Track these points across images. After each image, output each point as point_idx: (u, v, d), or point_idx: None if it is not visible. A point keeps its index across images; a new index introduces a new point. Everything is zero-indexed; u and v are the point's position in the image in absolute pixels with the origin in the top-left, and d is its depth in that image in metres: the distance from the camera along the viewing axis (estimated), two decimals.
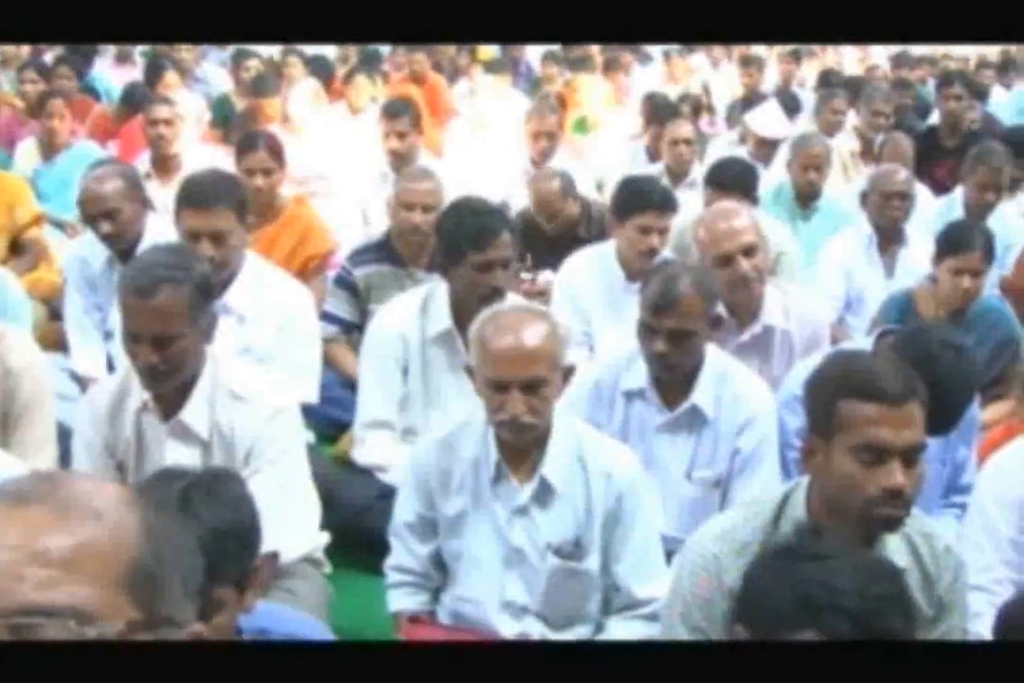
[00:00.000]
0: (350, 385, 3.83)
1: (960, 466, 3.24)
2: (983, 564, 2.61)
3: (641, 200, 4.02)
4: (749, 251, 3.52)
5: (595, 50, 10.68)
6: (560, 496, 2.62)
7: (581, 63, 9.18)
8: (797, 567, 1.66)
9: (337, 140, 6.59)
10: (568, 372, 2.66)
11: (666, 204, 4.04)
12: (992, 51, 15.82)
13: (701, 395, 3.02)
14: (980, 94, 8.67)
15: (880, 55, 13.42)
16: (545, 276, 4.83)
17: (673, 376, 3.02)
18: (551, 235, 5.08)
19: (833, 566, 1.64)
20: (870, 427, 2.05)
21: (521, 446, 2.62)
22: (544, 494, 2.63)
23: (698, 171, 5.69)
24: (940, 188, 6.21)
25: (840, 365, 2.18)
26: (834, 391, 2.11)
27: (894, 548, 2.18)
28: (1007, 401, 3.98)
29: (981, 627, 2.24)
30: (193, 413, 2.75)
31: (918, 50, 14.12)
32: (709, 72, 10.97)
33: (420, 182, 4.47)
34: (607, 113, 8.03)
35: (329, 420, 3.93)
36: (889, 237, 4.73)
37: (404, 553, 2.77)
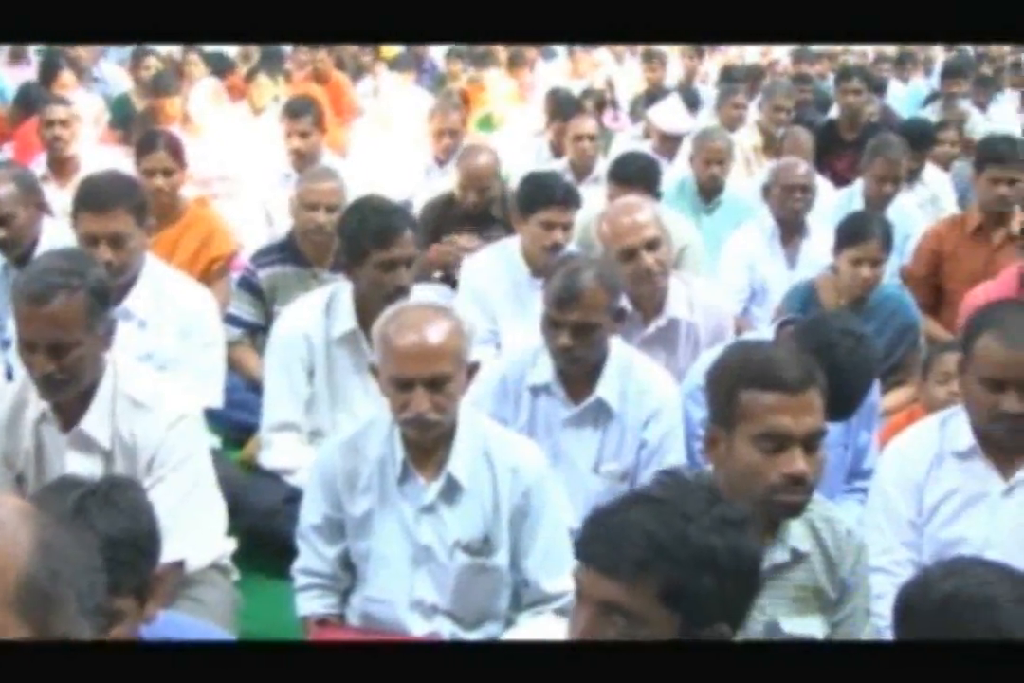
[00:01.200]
0: (256, 388, 3.79)
1: (862, 451, 3.31)
2: (884, 546, 2.66)
3: (544, 196, 4.03)
4: (652, 245, 3.54)
5: (498, 46, 10.70)
6: (467, 493, 2.62)
7: (484, 60, 9.18)
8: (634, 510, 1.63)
9: (239, 140, 6.52)
10: (473, 369, 2.66)
11: (569, 199, 4.05)
12: (889, 46, 16.14)
13: (606, 389, 3.04)
14: (878, 88, 8.83)
15: (781, 51, 13.62)
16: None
17: (578, 369, 3.04)
18: (472, 213, 5.09)
19: (683, 507, 1.62)
20: (770, 415, 2.08)
21: (427, 444, 2.61)
22: (451, 491, 2.62)
23: (602, 166, 5.71)
24: (841, 180, 6.33)
25: (739, 356, 2.21)
26: (734, 381, 2.13)
27: (797, 533, 2.22)
28: (908, 387, 4.06)
29: (883, 608, 2.27)
30: (93, 422, 2.70)
31: (817, 46, 14.34)
32: (613, 67, 11.03)
33: (323, 182, 4.44)
34: (511, 110, 8.05)
35: (235, 424, 3.89)
36: (791, 229, 4.80)
37: (311, 556, 2.74)
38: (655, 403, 3.06)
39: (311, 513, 2.73)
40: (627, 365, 3.07)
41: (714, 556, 1.58)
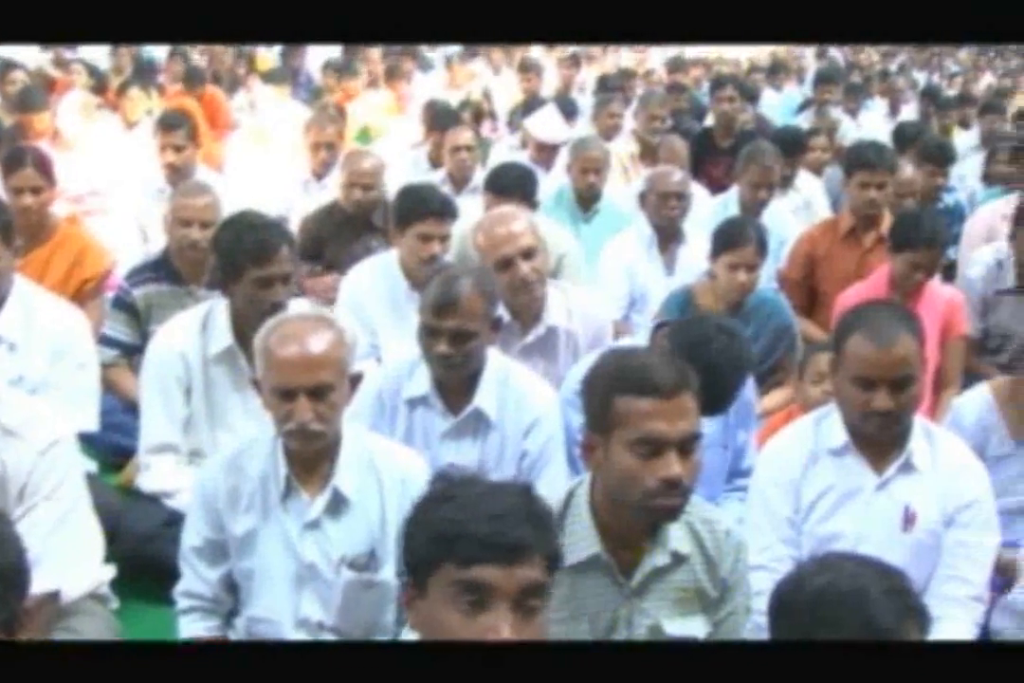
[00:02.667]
0: (133, 410, 3.70)
1: (741, 450, 3.37)
2: (764, 544, 2.71)
3: (420, 208, 4.01)
4: (528, 254, 3.56)
5: (376, 58, 10.68)
6: (353, 507, 2.60)
7: (359, 72, 9.15)
8: (432, 511, 1.70)
9: (111, 155, 6.38)
10: (356, 380, 2.64)
11: (445, 211, 4.04)
12: (763, 55, 16.52)
13: (484, 398, 3.04)
14: (752, 96, 9.01)
15: (656, 59, 13.82)
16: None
17: (456, 378, 3.03)
18: (354, 219, 5.08)
19: (461, 501, 1.69)
20: (645, 421, 2.10)
21: (311, 457, 2.59)
22: (337, 506, 2.60)
23: (480, 177, 5.73)
24: (717, 186, 6.44)
25: (613, 362, 2.22)
26: (609, 388, 2.15)
27: (677, 536, 2.25)
28: (786, 388, 4.14)
29: (764, 604, 2.30)
30: None
31: (691, 53, 14.61)
32: (490, 78, 11.08)
33: (196, 197, 4.36)
34: (389, 121, 8.03)
35: (113, 447, 3.79)
36: (668, 236, 4.85)
37: (194, 578, 2.69)
38: (534, 412, 3.07)
39: (192, 535, 2.68)
40: (504, 375, 3.08)
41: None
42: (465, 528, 1.65)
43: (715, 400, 2.70)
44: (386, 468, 2.62)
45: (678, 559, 2.25)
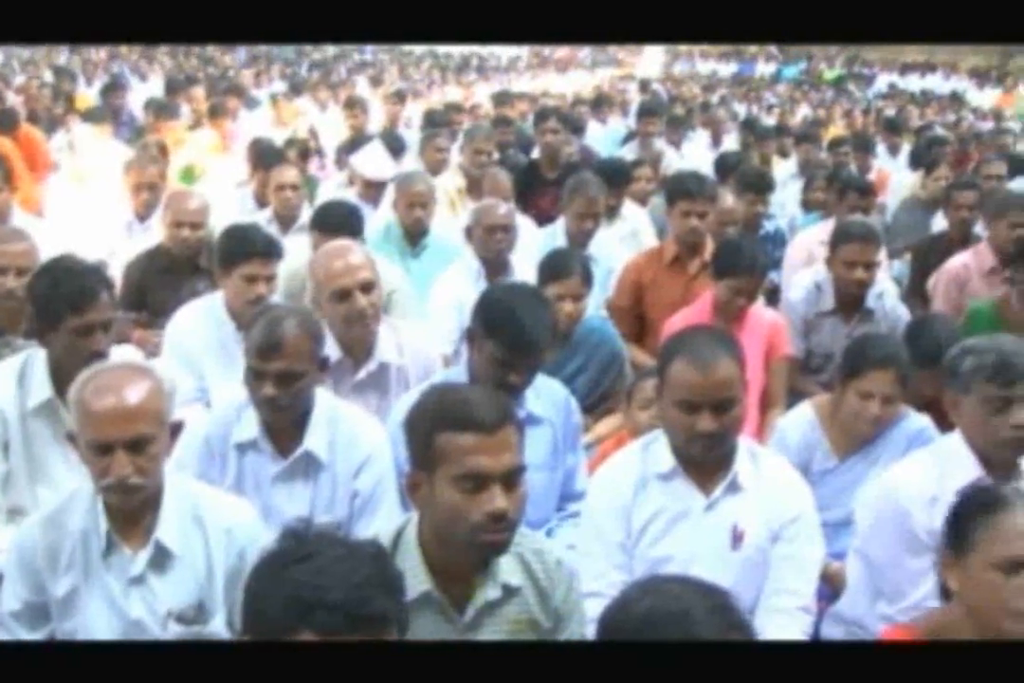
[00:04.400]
0: None
1: (571, 473, 3.42)
2: (597, 570, 2.74)
3: (244, 249, 3.96)
4: (366, 287, 3.57)
5: (200, 96, 10.54)
6: (178, 559, 2.53)
7: (176, 110, 9.01)
8: (286, 571, 1.68)
9: None
10: (176, 429, 2.58)
11: (270, 251, 4.00)
12: (587, 88, 16.90)
13: (314, 440, 3.01)
14: (576, 128, 9.17)
15: (482, 94, 14.00)
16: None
17: (284, 421, 3.00)
18: (179, 261, 4.97)
19: (318, 564, 1.67)
20: (468, 456, 2.11)
21: (132, 511, 2.52)
22: (161, 559, 2.53)
23: (308, 215, 5.69)
24: (545, 218, 6.52)
25: (434, 399, 2.23)
26: (431, 425, 2.15)
27: (507, 568, 2.26)
28: (618, 415, 4.19)
29: None
30: None
31: (518, 87, 14.84)
32: (316, 115, 11.04)
33: (11, 244, 4.20)
34: (214, 160, 7.92)
35: None
36: (495, 268, 4.89)
37: None
38: (364, 451, 3.05)
39: (10, 599, 2.58)
40: (334, 415, 3.05)
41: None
42: (324, 596, 1.63)
43: (531, 365, 3.08)
44: (211, 518, 2.56)
45: (510, 592, 2.26)
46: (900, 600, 2.91)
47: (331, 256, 3.68)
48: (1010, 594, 2.16)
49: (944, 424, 3.26)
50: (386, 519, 2.93)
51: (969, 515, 2.26)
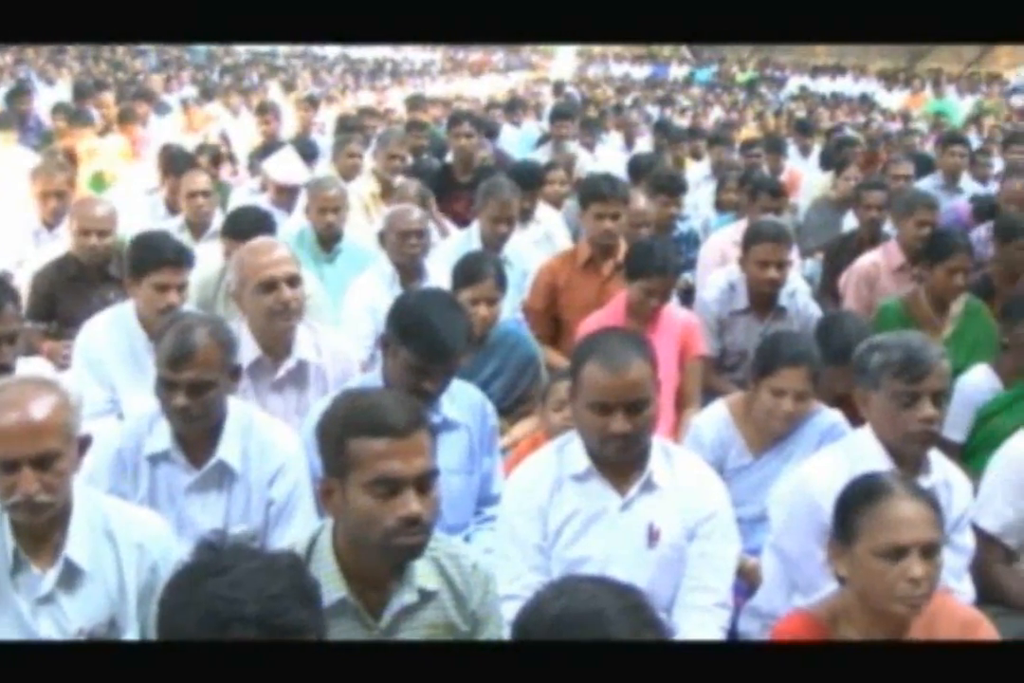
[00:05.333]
0: None
1: (488, 477, 3.44)
2: (514, 573, 2.75)
3: (155, 257, 3.91)
4: (292, 281, 3.59)
5: (109, 102, 10.39)
6: (89, 577, 2.48)
7: (87, 116, 8.86)
8: (201, 585, 1.67)
9: None
10: (84, 443, 2.53)
11: (181, 259, 3.95)
12: (501, 92, 16.94)
13: (227, 450, 2.98)
14: (490, 132, 9.17)
15: (396, 99, 13.97)
16: None
17: (196, 431, 2.96)
18: (89, 273, 4.89)
19: (234, 577, 1.67)
20: (381, 462, 2.10)
21: (40, 528, 2.46)
22: (71, 577, 2.47)
23: (220, 222, 5.63)
24: (460, 221, 6.52)
25: (345, 405, 2.22)
26: (342, 431, 2.15)
27: (423, 572, 2.26)
28: (534, 417, 4.21)
29: None
30: None
31: (431, 92, 14.83)
32: (228, 120, 10.92)
33: None
34: (124, 167, 7.81)
35: None
36: (409, 273, 4.88)
37: None
38: (278, 460, 3.02)
39: None
40: (247, 424, 3.03)
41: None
42: (240, 609, 1.62)
43: (445, 372, 3.14)
44: (122, 533, 2.52)
45: (426, 596, 2.25)
46: (814, 592, 2.94)
47: (257, 250, 3.70)
48: (894, 579, 2.24)
49: (856, 419, 3.32)
50: (302, 527, 2.90)
51: (853, 505, 2.34)
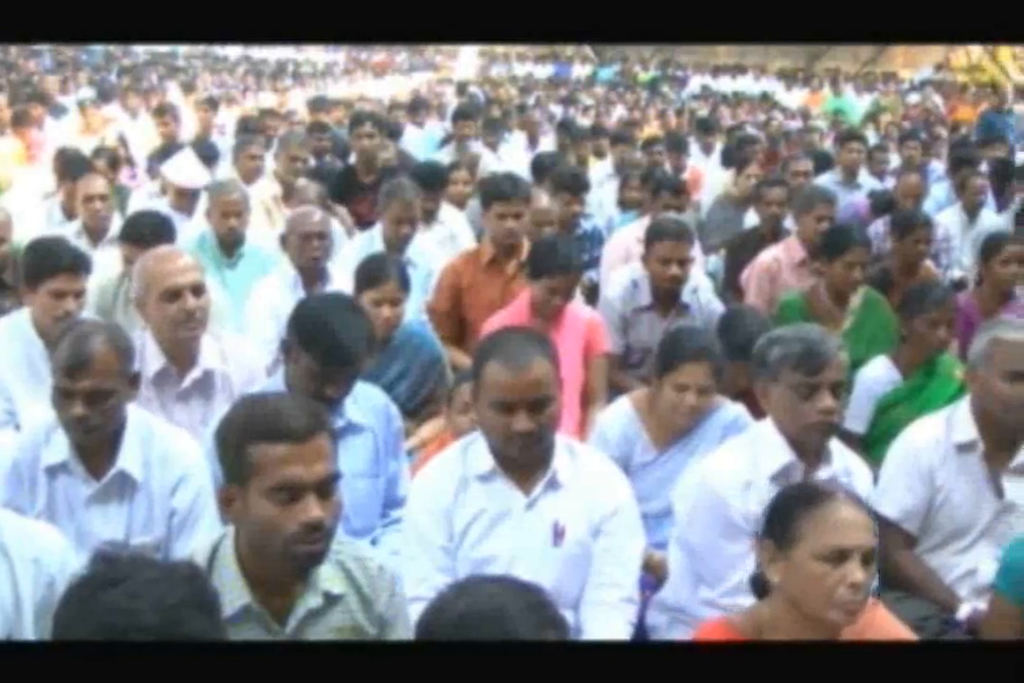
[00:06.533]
0: None
1: (394, 480, 3.43)
2: (420, 574, 2.74)
3: (50, 264, 3.84)
4: (196, 289, 3.56)
5: (2, 104, 10.17)
6: None
7: None
8: (97, 597, 1.65)
9: None
10: None
11: (77, 266, 3.88)
12: (404, 93, 16.89)
13: (127, 459, 2.93)
14: (393, 133, 9.13)
15: (297, 100, 13.85)
16: None
17: (95, 441, 2.91)
18: None
19: (130, 588, 1.65)
20: (281, 467, 2.09)
21: None
22: None
23: (118, 227, 5.53)
24: (364, 223, 6.49)
25: (244, 411, 2.20)
26: (241, 437, 2.13)
27: (328, 577, 2.25)
28: (439, 418, 4.21)
29: None
30: None
31: (334, 93, 14.73)
32: (126, 122, 10.74)
33: None
34: (18, 171, 7.65)
35: None
36: (312, 276, 4.84)
37: None
38: (180, 469, 2.97)
39: None
40: (148, 433, 2.97)
41: None
42: (137, 620, 1.60)
43: (348, 377, 3.15)
44: (17, 548, 2.44)
45: (331, 600, 2.24)
46: (720, 584, 2.99)
47: (161, 258, 3.65)
48: (834, 584, 2.21)
49: (758, 412, 3.36)
50: (206, 536, 2.84)
51: (792, 509, 2.31)
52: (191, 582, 1.71)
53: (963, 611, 3.16)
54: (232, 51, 23.92)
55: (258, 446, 2.09)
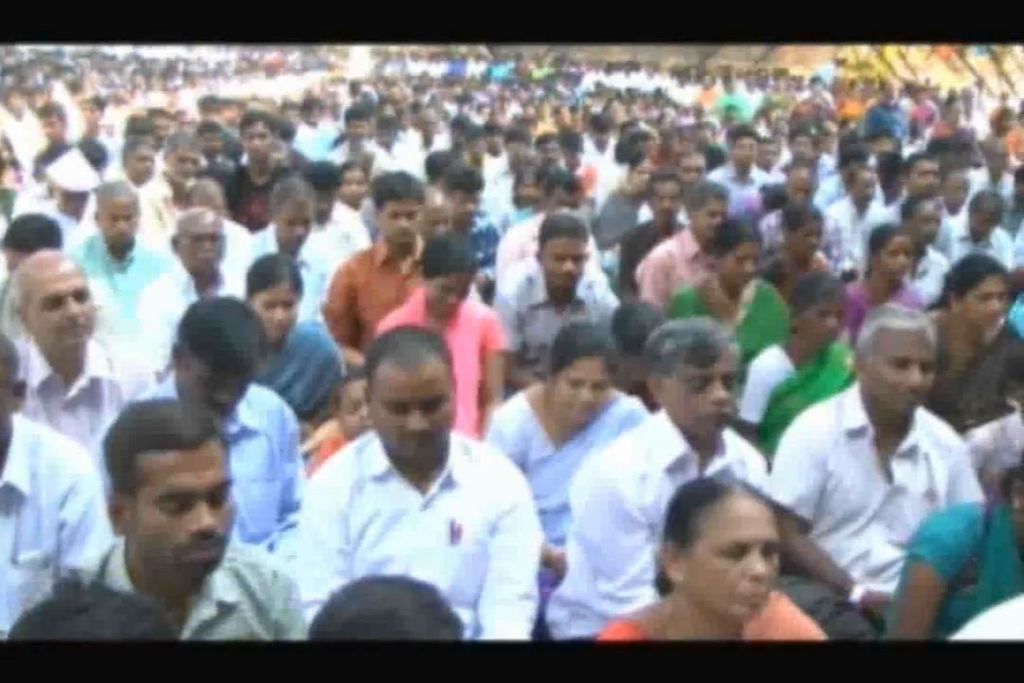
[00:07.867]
0: None
1: (289, 483, 3.41)
2: (317, 578, 2.72)
3: None
4: (79, 295, 3.48)
5: None
6: None
7: None
8: (61, 624, 1.64)
9: None
10: None
11: None
12: (297, 92, 16.75)
13: (13, 473, 2.82)
14: (285, 133, 9.04)
15: (188, 100, 13.64)
16: None
17: None
18: None
19: (95, 616, 1.64)
20: (170, 475, 2.06)
21: None
22: None
23: (2, 231, 5.40)
24: (258, 224, 6.40)
25: (133, 418, 2.17)
26: (130, 445, 2.10)
27: (221, 585, 2.22)
28: (335, 420, 4.18)
29: None
30: None
31: (225, 92, 14.54)
32: (10, 123, 10.47)
33: None
34: None
35: None
36: (204, 279, 4.78)
37: None
38: (69, 480, 2.87)
39: None
40: (35, 444, 2.88)
41: None
42: None
43: (240, 382, 3.14)
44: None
45: (226, 609, 2.21)
46: (618, 577, 3.02)
47: (42, 264, 3.56)
48: (736, 578, 2.23)
49: (653, 406, 3.40)
50: (97, 548, 2.75)
51: (691, 506, 2.32)
52: (153, 612, 1.71)
53: (857, 593, 3.24)
54: (120, 50, 23.49)
55: (147, 455, 2.06)
